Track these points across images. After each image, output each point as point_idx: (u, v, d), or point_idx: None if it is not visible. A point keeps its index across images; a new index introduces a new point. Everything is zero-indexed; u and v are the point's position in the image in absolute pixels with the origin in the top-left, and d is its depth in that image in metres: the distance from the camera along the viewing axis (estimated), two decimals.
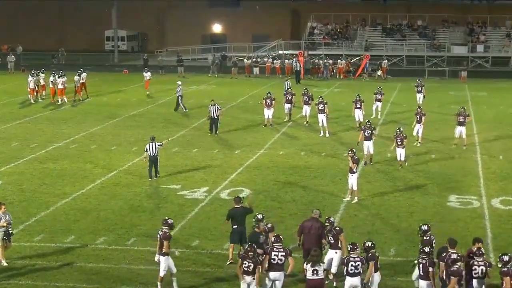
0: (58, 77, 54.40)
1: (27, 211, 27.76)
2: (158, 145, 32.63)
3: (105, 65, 79.89)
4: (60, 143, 40.24)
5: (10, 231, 22.11)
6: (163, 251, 20.25)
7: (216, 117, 41.95)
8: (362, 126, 36.48)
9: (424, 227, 20.62)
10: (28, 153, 37.62)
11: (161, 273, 20.25)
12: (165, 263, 20.21)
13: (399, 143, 34.22)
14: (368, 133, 34.85)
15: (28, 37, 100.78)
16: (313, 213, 22.09)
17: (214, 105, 41.91)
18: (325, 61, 75.81)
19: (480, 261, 18.82)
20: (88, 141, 41.01)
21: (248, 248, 18.84)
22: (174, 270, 20.42)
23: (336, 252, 20.48)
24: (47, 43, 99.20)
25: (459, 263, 18.28)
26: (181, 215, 27.50)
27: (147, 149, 32.38)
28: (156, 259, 20.49)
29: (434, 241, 20.05)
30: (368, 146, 35.02)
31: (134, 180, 32.51)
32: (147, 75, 60.21)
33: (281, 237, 19.51)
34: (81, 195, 30.15)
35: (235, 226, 22.58)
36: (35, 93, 54.93)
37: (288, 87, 50.72)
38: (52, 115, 49.80)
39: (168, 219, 20.96)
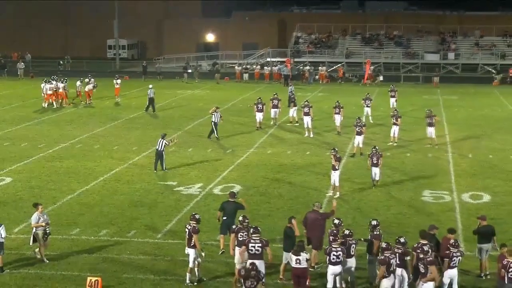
0: (61, 83, 54.48)
1: None
2: (165, 143, 33.29)
3: (107, 71, 79.58)
4: (66, 143, 40.15)
5: (48, 231, 21.92)
6: (192, 244, 20.19)
7: (216, 123, 41.75)
8: (355, 123, 37.43)
9: (374, 222, 20.62)
10: (37, 153, 37.52)
11: (191, 264, 20.21)
12: (194, 255, 20.16)
13: (375, 162, 30.33)
14: (358, 129, 36.55)
15: (36, 45, 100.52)
16: (314, 206, 22.32)
17: (217, 112, 41.77)
18: (309, 67, 75.92)
19: (457, 252, 18.88)
20: (92, 141, 40.94)
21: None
22: (199, 260, 20.41)
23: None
24: (54, 51, 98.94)
25: (388, 253, 18.34)
26: (177, 209, 27.51)
27: (158, 143, 33.41)
28: (186, 251, 20.42)
29: (382, 236, 20.01)
30: (359, 141, 36.73)
31: (134, 177, 32.49)
32: (117, 82, 58.20)
33: (259, 228, 19.60)
34: (85, 191, 30.11)
35: (225, 218, 22.65)
36: (53, 98, 54.32)
37: (291, 92, 51.31)
38: (58, 117, 49.64)
39: (195, 214, 20.96)
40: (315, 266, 20.84)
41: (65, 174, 33.05)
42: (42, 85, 54.22)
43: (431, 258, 18.14)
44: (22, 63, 78.48)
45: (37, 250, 21.87)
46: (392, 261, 18.31)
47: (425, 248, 18.65)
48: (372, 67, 74.86)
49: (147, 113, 51.39)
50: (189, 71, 75.79)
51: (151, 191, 30.34)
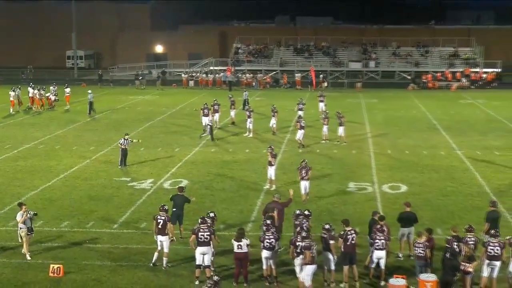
0: (37, 90, 54.29)
1: (2, 202, 27.36)
2: (130, 141, 33.77)
3: (66, 79, 78.44)
4: (30, 144, 39.58)
5: (31, 228, 21.38)
6: (166, 232, 20.31)
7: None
8: (322, 116, 41.62)
9: (297, 212, 20.92)
10: (3, 153, 36.93)
11: (166, 249, 20.32)
12: (167, 242, 20.40)
13: (304, 175, 27.01)
14: (325, 121, 40.03)
15: (1, 55, 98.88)
16: (274, 197, 22.51)
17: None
18: (256, 75, 76.39)
19: (382, 236, 19.19)
20: (53, 142, 40.42)
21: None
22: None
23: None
24: (17, 61, 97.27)
25: (308, 240, 18.43)
26: (131, 202, 27.37)
27: (121, 142, 33.48)
28: (158, 239, 20.39)
29: (305, 225, 19.99)
30: (325, 130, 40.08)
31: (92, 174, 32.19)
32: (67, 90, 56.46)
33: (206, 218, 19.63)
34: (47, 187, 29.76)
35: (174, 209, 22.68)
36: (38, 103, 54.10)
37: (246, 97, 51.32)
38: (23, 121, 48.89)
39: (164, 205, 21.00)
40: (279, 250, 20.62)
41: (29, 172, 32.60)
42: (11, 92, 53.23)
43: (306, 244, 18.33)
44: None
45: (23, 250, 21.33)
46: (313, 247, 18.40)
47: (350, 234, 19.07)
48: (322, 75, 75.00)
49: (90, 116, 51.14)
50: (140, 78, 75.12)
51: (107, 186, 30.10)
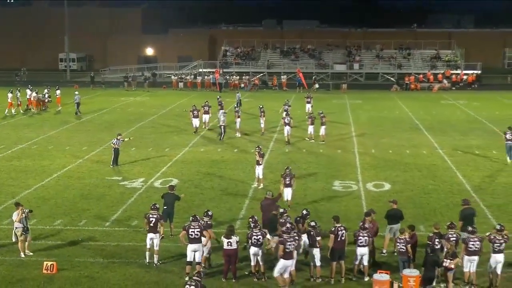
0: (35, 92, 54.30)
1: None
2: (121, 140, 33.62)
3: (60, 81, 78.18)
4: (24, 145, 39.39)
5: (27, 227, 21.08)
6: (158, 230, 20.18)
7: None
8: (309, 115, 41.99)
9: (281, 210, 20.90)
10: None
11: (156, 247, 20.22)
12: (158, 239, 20.21)
13: (287, 183, 25.67)
14: (310, 121, 40.29)
15: None
16: (267, 194, 22.66)
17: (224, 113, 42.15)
18: (249, 77, 76.43)
19: (365, 233, 19.22)
20: (46, 142, 40.25)
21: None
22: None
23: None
24: (11, 63, 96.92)
25: (288, 235, 18.47)
26: (123, 201, 27.30)
27: (114, 142, 33.34)
28: (150, 237, 20.20)
29: (289, 222, 19.92)
30: (310, 130, 40.23)
31: (84, 174, 32.09)
32: (58, 92, 55.75)
33: (197, 216, 19.58)
34: (41, 187, 29.63)
35: (165, 207, 22.66)
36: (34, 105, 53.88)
37: (239, 98, 51.23)
38: (16, 122, 48.66)
39: (156, 204, 20.81)
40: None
41: (23, 172, 32.44)
42: (9, 94, 52.88)
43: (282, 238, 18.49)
44: None
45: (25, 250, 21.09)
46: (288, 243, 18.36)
47: (340, 231, 19.11)
48: (314, 77, 75.01)
49: (77, 116, 51.15)
50: (131, 79, 74.86)
51: (99, 185, 30.00)
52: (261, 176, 29.57)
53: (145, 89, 71.87)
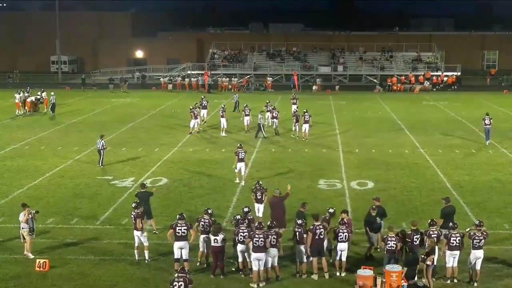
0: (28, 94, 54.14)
1: None
2: (103, 142, 33.31)
3: (51, 83, 77.90)
4: (16, 145, 39.21)
5: (33, 228, 20.90)
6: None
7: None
8: (294, 114, 42.81)
9: (299, 221, 20.72)
10: None
11: (146, 243, 20.29)
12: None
13: (259, 198, 23.69)
14: (295, 119, 41.20)
15: None
16: (275, 192, 22.63)
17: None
18: (251, 78, 76.39)
19: (344, 229, 19.26)
20: (38, 143, 40.07)
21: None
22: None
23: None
24: (3, 66, 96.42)
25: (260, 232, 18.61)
26: (114, 199, 27.22)
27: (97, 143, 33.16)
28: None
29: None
30: (296, 126, 41.26)
31: (76, 173, 31.98)
32: (43, 95, 55.76)
33: (184, 214, 19.55)
34: (33, 186, 29.51)
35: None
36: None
37: (237, 99, 51.07)
38: (9, 123, 48.43)
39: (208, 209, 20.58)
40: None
41: (16, 172, 32.30)
42: (16, 95, 53.14)
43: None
44: None
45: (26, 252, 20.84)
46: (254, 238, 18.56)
47: (318, 229, 19.08)
48: (338, 79, 75.29)
49: (53, 116, 51.12)
50: (122, 82, 74.63)
51: (90, 184, 29.91)
52: (242, 173, 30.03)
53: (122, 90, 71.75)
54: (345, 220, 19.69)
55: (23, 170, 32.72)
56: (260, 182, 24.56)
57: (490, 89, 74.52)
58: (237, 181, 29.99)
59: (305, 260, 19.18)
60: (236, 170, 29.96)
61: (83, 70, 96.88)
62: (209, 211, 20.25)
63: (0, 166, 33.60)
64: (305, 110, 41.67)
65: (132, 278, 19.03)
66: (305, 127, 40.58)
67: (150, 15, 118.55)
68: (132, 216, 20.27)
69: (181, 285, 15.65)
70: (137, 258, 20.17)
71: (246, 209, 20.68)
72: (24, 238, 20.85)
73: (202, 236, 19.85)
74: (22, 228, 20.79)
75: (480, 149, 38.12)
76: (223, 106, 43.81)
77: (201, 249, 20.03)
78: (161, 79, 77.51)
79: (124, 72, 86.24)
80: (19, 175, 31.56)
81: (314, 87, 74.07)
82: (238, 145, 31.12)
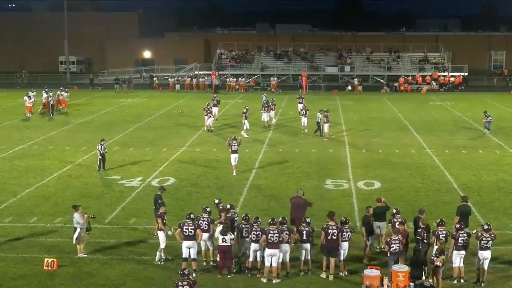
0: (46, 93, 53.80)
1: None
2: (105, 146, 32.57)
3: (60, 83, 78.17)
4: (25, 145, 39.29)
5: (88, 228, 20.90)
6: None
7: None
8: (302, 111, 44.45)
9: (308, 220, 20.70)
10: None
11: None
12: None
13: (234, 149, 27.18)
14: (302, 112, 43.78)
15: None
16: (297, 192, 22.59)
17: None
18: (273, 78, 76.45)
19: (347, 228, 19.23)
20: (47, 143, 40.15)
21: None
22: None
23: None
24: (11, 66, 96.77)
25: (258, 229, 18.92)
26: (121, 199, 27.23)
27: (98, 148, 32.28)
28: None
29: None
30: (304, 122, 43.46)
31: (84, 173, 32.02)
32: (45, 95, 54.66)
33: (192, 214, 19.55)
34: (41, 185, 29.55)
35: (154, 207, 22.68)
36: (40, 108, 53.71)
37: (265, 99, 51.40)
38: (18, 123, 48.53)
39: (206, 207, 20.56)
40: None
41: (24, 171, 32.36)
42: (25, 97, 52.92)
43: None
44: None
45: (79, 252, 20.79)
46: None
47: (331, 228, 19.01)
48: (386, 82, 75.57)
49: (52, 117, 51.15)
50: (126, 82, 74.68)
51: (98, 184, 29.95)
52: (234, 163, 31.25)
53: (117, 90, 71.81)
54: (347, 219, 19.65)
55: (32, 169, 32.78)
56: (236, 137, 29.43)
57: (497, 90, 74.32)
58: (234, 174, 30.79)
59: (309, 257, 19.20)
60: (233, 163, 31.18)
61: (91, 70, 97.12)
62: (208, 209, 20.23)
63: (9, 166, 33.69)
64: (326, 110, 42.51)
65: (140, 278, 19.02)
66: (326, 126, 41.19)
67: (157, 15, 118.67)
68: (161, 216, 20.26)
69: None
70: (163, 257, 20.22)
71: (217, 201, 21.24)
72: (76, 239, 20.57)
73: (205, 235, 19.85)
74: (81, 229, 20.53)
75: (487, 149, 37.98)
76: (246, 108, 43.79)
77: (203, 248, 20.02)
78: (169, 80, 77.64)
79: (132, 73, 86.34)
80: (27, 175, 31.62)
81: (348, 87, 73.59)
82: (232, 137, 31.86)
